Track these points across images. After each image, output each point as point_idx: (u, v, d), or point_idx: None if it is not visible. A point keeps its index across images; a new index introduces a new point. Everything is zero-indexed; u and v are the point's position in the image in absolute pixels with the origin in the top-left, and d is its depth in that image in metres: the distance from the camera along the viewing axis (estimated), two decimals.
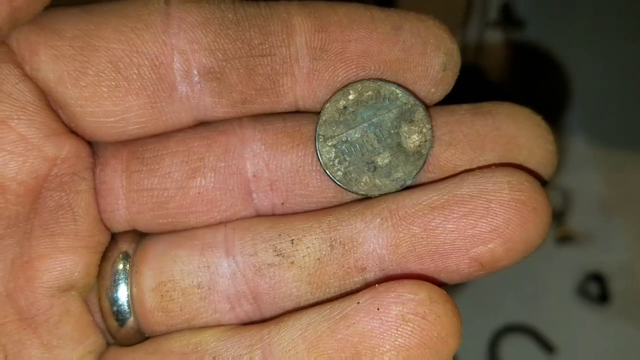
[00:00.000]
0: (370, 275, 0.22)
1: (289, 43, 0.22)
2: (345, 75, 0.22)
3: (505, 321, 0.65)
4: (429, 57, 0.22)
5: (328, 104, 0.23)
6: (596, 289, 0.66)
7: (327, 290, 0.23)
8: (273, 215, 0.24)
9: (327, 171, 0.24)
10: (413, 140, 0.23)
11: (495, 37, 0.82)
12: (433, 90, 0.23)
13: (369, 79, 0.23)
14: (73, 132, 0.23)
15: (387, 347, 0.20)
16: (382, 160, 0.24)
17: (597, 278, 0.66)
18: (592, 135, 0.75)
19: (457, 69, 0.23)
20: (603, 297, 0.65)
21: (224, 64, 0.22)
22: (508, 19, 0.83)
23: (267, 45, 0.22)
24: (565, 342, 0.64)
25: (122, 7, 0.22)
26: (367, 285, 0.22)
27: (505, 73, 0.80)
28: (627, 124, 0.76)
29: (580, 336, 0.64)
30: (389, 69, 0.22)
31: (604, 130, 0.76)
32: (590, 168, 0.73)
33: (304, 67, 0.22)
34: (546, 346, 0.63)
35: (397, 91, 0.23)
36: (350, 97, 0.23)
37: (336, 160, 0.24)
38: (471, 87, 0.77)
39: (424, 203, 0.22)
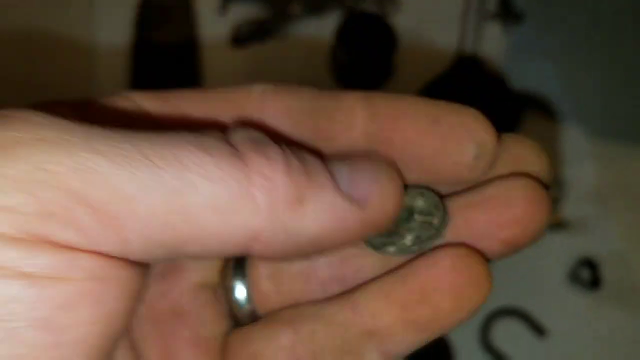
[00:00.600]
0: None
1: (351, 128, 0.26)
2: (390, 157, 0.26)
3: (498, 305, 0.67)
4: (462, 146, 0.26)
5: None
6: (588, 275, 0.68)
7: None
8: None
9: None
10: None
11: (494, 29, 0.84)
12: (466, 174, 0.26)
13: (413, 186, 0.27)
14: None
15: (445, 286, 0.25)
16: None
17: (589, 264, 0.68)
18: (588, 126, 0.77)
19: (489, 157, 0.26)
20: (594, 283, 0.67)
21: None
22: (507, 11, 0.85)
23: (331, 132, 0.27)
24: (556, 326, 0.65)
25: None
26: None
27: (503, 64, 0.81)
28: (622, 115, 0.78)
29: (571, 321, 0.66)
30: (427, 156, 0.26)
31: (600, 121, 0.77)
32: (585, 158, 0.75)
33: (359, 148, 0.26)
34: (537, 329, 0.65)
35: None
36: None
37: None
38: (470, 78, 0.79)
39: (462, 202, 0.27)
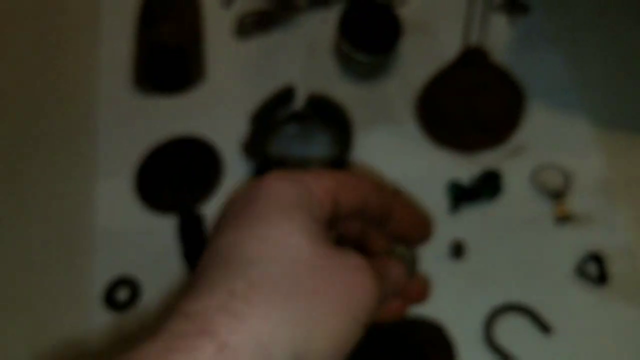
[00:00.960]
0: None
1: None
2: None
3: (502, 300, 0.65)
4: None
5: None
6: (595, 270, 0.67)
7: None
8: None
9: None
10: None
11: (499, 20, 0.82)
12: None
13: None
14: None
15: None
16: None
17: (596, 258, 0.66)
18: (595, 118, 0.75)
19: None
20: (601, 278, 0.65)
21: None
22: (513, 2, 0.83)
23: None
24: (562, 322, 0.64)
25: None
26: None
27: (509, 55, 0.80)
28: (632, 106, 0.76)
29: (578, 317, 0.64)
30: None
31: (608, 112, 0.76)
32: (592, 149, 0.73)
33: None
34: (543, 326, 0.64)
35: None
36: None
37: None
38: (476, 69, 0.78)
39: None
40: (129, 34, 0.85)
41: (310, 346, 0.27)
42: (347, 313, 0.29)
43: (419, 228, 0.39)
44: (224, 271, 0.28)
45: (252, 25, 0.84)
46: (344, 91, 0.79)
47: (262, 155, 0.73)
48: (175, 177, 0.74)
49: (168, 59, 0.82)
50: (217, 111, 0.79)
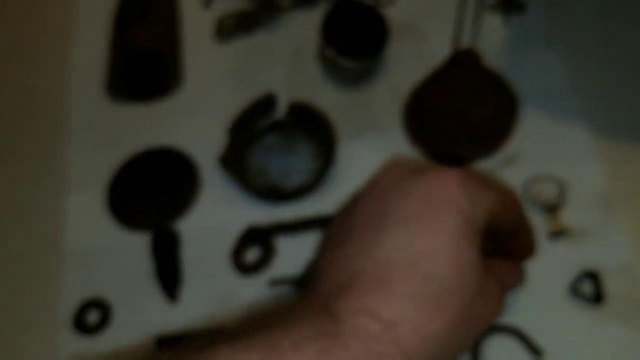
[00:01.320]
0: None
1: None
2: None
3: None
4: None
5: None
6: (590, 289, 0.63)
7: None
8: None
9: None
10: None
11: (492, 21, 0.78)
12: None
13: None
14: None
15: None
16: None
17: (592, 276, 0.63)
18: (594, 126, 0.71)
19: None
20: (597, 298, 0.62)
21: None
22: (509, 1, 0.79)
23: None
24: (554, 344, 0.60)
25: None
26: None
27: (503, 58, 0.76)
28: (631, 115, 0.72)
29: (571, 339, 0.60)
30: None
31: (608, 119, 0.72)
32: (590, 160, 0.69)
33: None
34: (534, 349, 0.60)
35: None
36: None
37: None
38: (468, 72, 0.74)
39: None
40: (103, 39, 0.81)
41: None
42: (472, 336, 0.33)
43: (531, 246, 0.42)
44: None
45: (233, 27, 0.80)
46: (328, 98, 0.75)
47: (239, 167, 0.70)
48: (149, 191, 0.71)
49: (143, 65, 0.78)
50: (195, 120, 0.75)
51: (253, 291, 0.65)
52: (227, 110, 0.73)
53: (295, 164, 0.70)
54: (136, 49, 0.79)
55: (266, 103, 0.73)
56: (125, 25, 0.81)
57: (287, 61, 0.78)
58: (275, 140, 0.72)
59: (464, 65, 0.74)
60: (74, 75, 0.78)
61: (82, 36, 0.81)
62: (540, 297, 0.63)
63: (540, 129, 0.71)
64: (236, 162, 0.70)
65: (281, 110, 0.73)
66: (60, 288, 0.66)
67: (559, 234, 0.65)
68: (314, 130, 0.71)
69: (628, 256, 0.64)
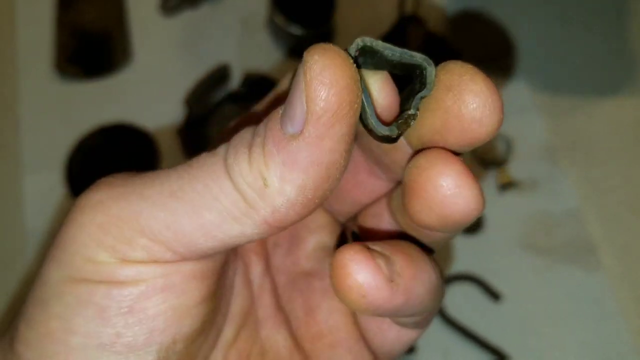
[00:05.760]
0: None
1: None
2: None
3: (451, 270, 0.65)
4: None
5: None
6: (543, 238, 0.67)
7: None
8: None
9: None
10: None
11: None
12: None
13: None
14: None
15: None
16: None
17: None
18: (535, 81, 0.75)
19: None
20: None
21: None
22: None
23: None
24: (511, 288, 0.64)
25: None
26: None
27: (445, 22, 0.79)
28: (571, 68, 0.76)
29: (526, 282, 0.65)
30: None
31: (548, 75, 0.76)
32: (533, 114, 0.73)
33: None
34: (492, 294, 0.64)
35: None
36: None
37: None
38: (412, 38, 0.77)
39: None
40: (48, 17, 0.79)
41: None
42: None
43: None
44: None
45: (178, 0, 0.80)
46: (281, 67, 0.76)
47: (198, 140, 0.70)
48: (108, 168, 0.70)
49: (90, 40, 0.77)
50: (148, 95, 0.74)
51: None
52: (180, 84, 0.73)
53: None
54: (81, 25, 0.78)
55: (220, 74, 0.73)
56: (68, 1, 0.79)
57: (237, 31, 0.78)
58: (232, 110, 0.72)
59: (408, 30, 0.77)
60: (21, 56, 0.76)
61: (26, 16, 0.79)
62: (494, 246, 0.67)
63: None
64: (194, 134, 0.70)
65: (236, 81, 0.74)
66: (25, 269, 0.66)
67: (507, 186, 0.69)
68: None
69: (574, 202, 0.68)
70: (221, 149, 0.24)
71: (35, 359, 0.25)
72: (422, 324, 0.30)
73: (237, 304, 0.31)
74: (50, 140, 0.71)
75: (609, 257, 0.66)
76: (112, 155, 0.71)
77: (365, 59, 0.24)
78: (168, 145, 0.71)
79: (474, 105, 0.22)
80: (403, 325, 0.30)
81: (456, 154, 0.24)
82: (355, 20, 0.78)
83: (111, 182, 0.26)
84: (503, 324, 0.63)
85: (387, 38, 0.75)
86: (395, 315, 0.27)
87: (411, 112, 0.23)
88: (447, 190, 0.23)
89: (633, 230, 0.67)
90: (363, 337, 0.31)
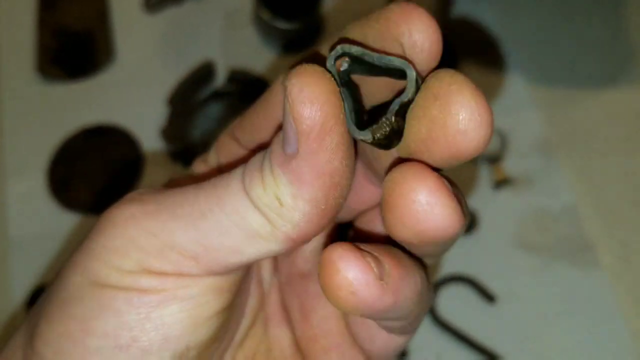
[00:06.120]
0: None
1: None
2: None
3: (444, 271, 0.63)
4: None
5: None
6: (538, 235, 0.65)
7: None
8: None
9: None
10: None
11: None
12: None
13: None
14: None
15: None
16: None
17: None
18: (530, 73, 0.73)
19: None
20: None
21: None
22: None
23: None
24: (506, 289, 0.62)
25: None
26: None
27: (436, 13, 0.77)
28: (567, 59, 0.74)
29: (522, 283, 0.62)
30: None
31: (543, 67, 0.73)
32: (528, 108, 0.71)
33: None
34: (487, 295, 0.62)
35: None
36: None
37: None
38: None
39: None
40: (29, 18, 0.77)
41: None
42: None
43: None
44: None
45: None
46: (268, 63, 0.74)
47: (183, 140, 0.68)
48: (91, 171, 0.69)
49: (72, 41, 0.75)
50: (131, 95, 0.73)
51: None
52: (164, 83, 0.72)
53: None
54: (64, 25, 0.76)
55: (205, 72, 0.71)
56: (50, 1, 0.77)
57: (221, 27, 0.76)
58: (218, 109, 0.70)
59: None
60: (2, 58, 0.74)
61: (7, 18, 0.78)
62: (489, 245, 0.65)
63: (476, 79, 0.72)
64: (179, 135, 0.69)
65: (220, 79, 0.72)
66: (10, 276, 0.65)
67: (502, 183, 0.67)
68: (255, 96, 0.70)
69: (571, 198, 0.66)
70: (239, 171, 0.26)
71: (52, 357, 0.26)
72: (408, 330, 0.30)
73: (249, 305, 0.33)
74: (32, 144, 0.70)
75: (607, 254, 0.64)
76: (95, 158, 0.69)
77: (354, 66, 0.24)
78: (152, 146, 0.69)
79: (460, 116, 0.22)
80: (390, 330, 0.30)
81: (437, 169, 0.23)
82: (345, 13, 0.76)
83: (142, 198, 0.27)
84: (498, 326, 0.61)
85: None
86: (383, 317, 0.26)
87: (387, 116, 0.23)
88: (419, 207, 0.22)
89: (632, 226, 0.65)
90: (355, 343, 0.32)
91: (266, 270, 0.34)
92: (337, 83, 0.23)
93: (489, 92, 0.71)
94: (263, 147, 0.27)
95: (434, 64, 0.24)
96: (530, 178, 0.67)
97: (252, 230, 0.25)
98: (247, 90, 0.70)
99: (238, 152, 0.32)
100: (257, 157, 0.26)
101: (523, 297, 0.62)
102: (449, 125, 0.22)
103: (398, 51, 0.24)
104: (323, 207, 0.24)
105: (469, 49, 0.73)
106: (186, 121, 0.69)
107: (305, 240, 0.26)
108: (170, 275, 0.26)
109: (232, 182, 0.26)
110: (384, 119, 0.23)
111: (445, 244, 0.25)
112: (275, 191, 0.25)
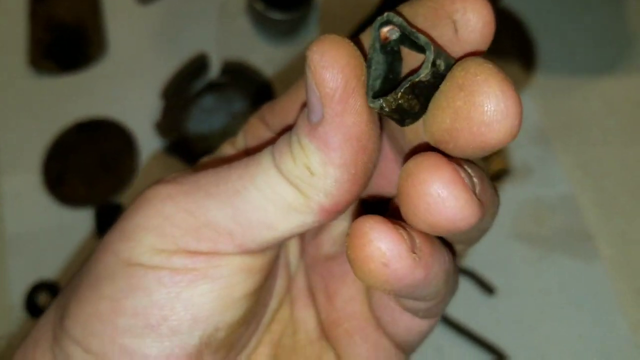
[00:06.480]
0: None
1: None
2: None
3: None
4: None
5: None
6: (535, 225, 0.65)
7: None
8: None
9: None
10: None
11: None
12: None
13: None
14: None
15: None
16: None
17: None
18: (526, 61, 0.72)
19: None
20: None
21: None
22: None
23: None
24: (504, 281, 0.61)
25: None
26: None
27: None
28: (564, 47, 0.73)
29: (521, 274, 0.62)
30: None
31: (540, 54, 0.73)
32: (524, 96, 0.70)
33: None
34: (487, 287, 0.62)
35: None
36: None
37: None
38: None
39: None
40: (21, 11, 0.76)
41: None
42: None
43: None
44: None
45: None
46: (262, 54, 0.73)
47: (178, 133, 0.68)
48: (86, 165, 0.68)
49: (65, 34, 0.74)
50: (125, 87, 0.72)
51: None
52: (157, 75, 0.71)
53: (236, 124, 0.69)
54: (56, 17, 0.75)
55: (198, 64, 0.70)
56: None
57: (215, 18, 0.75)
58: (212, 101, 0.70)
59: (397, 5, 0.74)
60: None
61: None
62: (487, 236, 0.64)
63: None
64: (174, 128, 0.68)
65: (214, 70, 0.71)
66: (8, 271, 0.64)
67: (501, 173, 0.66)
68: (250, 88, 0.70)
69: (568, 189, 0.66)
70: (269, 149, 0.26)
71: (82, 337, 0.27)
72: (433, 313, 0.30)
73: (276, 288, 0.33)
74: (26, 139, 0.69)
75: (606, 245, 0.63)
76: (90, 152, 0.69)
77: (404, 39, 0.24)
78: (146, 139, 0.69)
79: (485, 108, 0.21)
80: (414, 313, 0.29)
81: (459, 159, 0.23)
82: (339, 3, 0.75)
83: (177, 179, 0.28)
84: (498, 318, 0.61)
85: (371, 20, 0.72)
86: (411, 294, 0.25)
87: (395, 90, 0.23)
88: (431, 199, 0.22)
89: (631, 216, 0.65)
90: (379, 326, 0.31)
91: (293, 254, 0.34)
92: (374, 48, 0.23)
93: None
94: (290, 128, 0.27)
95: (484, 46, 0.24)
96: (527, 168, 0.66)
97: (286, 204, 0.25)
98: (242, 81, 0.69)
99: (266, 135, 0.32)
100: (286, 135, 0.26)
101: (522, 288, 0.62)
102: (473, 117, 0.21)
103: (449, 30, 0.23)
104: (353, 171, 0.25)
105: None
106: (180, 114, 0.68)
107: (339, 210, 0.26)
108: (202, 255, 0.26)
109: (263, 160, 0.26)
110: (391, 94, 0.23)
111: (468, 234, 0.26)
112: (304, 161, 0.25)
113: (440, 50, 0.23)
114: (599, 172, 0.66)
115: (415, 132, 0.25)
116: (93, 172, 0.68)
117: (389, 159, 0.30)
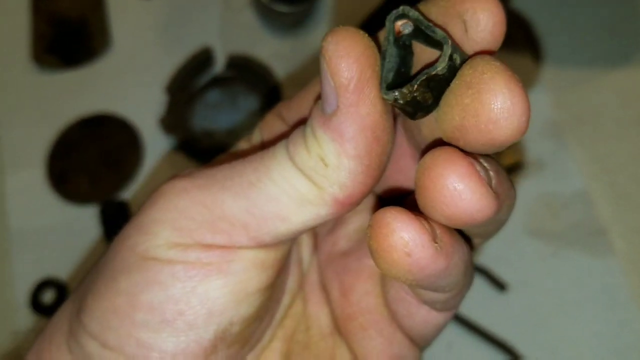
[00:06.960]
0: None
1: None
2: None
3: None
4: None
5: None
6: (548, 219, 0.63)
7: None
8: None
9: None
10: None
11: None
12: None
13: None
14: None
15: None
16: None
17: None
18: (539, 53, 0.71)
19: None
20: None
21: None
22: None
23: None
24: (516, 277, 0.60)
25: None
26: None
27: None
28: (576, 40, 0.72)
29: (533, 270, 0.61)
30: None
31: (552, 46, 0.71)
32: (537, 89, 0.69)
33: None
34: (498, 284, 0.61)
35: None
36: None
37: None
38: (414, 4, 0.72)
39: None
40: (23, 6, 0.75)
41: None
42: None
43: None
44: None
45: None
46: (267, 47, 0.72)
47: (183, 130, 0.67)
48: (90, 161, 0.67)
49: (68, 28, 0.73)
50: (129, 83, 0.71)
51: None
52: (162, 69, 0.70)
53: (241, 119, 0.68)
54: (59, 12, 0.74)
55: (203, 58, 0.69)
56: None
57: (219, 11, 0.74)
58: (217, 96, 0.69)
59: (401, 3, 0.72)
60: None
61: (0, 6, 0.76)
62: (499, 232, 0.63)
63: None
64: (179, 124, 0.67)
65: (219, 64, 0.70)
66: (13, 269, 0.63)
67: (513, 168, 0.65)
68: (255, 82, 0.69)
69: (582, 183, 0.64)
70: (283, 142, 0.27)
71: (99, 331, 0.27)
72: (450, 306, 0.30)
73: (288, 285, 0.33)
74: (30, 135, 0.68)
75: (620, 240, 0.62)
76: (94, 148, 0.68)
77: (417, 33, 0.24)
78: (151, 135, 0.68)
79: (492, 105, 0.21)
80: (432, 305, 0.30)
81: (471, 153, 0.23)
82: None
83: (192, 174, 0.28)
84: (509, 315, 0.60)
85: (386, 6, 0.71)
86: (433, 284, 0.25)
87: (411, 83, 0.23)
88: (447, 192, 0.22)
89: None
90: (394, 320, 0.32)
91: (306, 251, 0.34)
92: (388, 40, 0.24)
93: None
94: (305, 120, 0.27)
95: (495, 46, 0.24)
96: (540, 162, 0.65)
97: (300, 196, 0.26)
98: (247, 75, 0.68)
99: (281, 129, 0.32)
100: (300, 127, 0.26)
101: (534, 285, 0.61)
102: (480, 115, 0.22)
103: (459, 29, 0.23)
104: (367, 163, 0.25)
105: None
106: (185, 109, 0.67)
107: (352, 202, 0.26)
108: (217, 248, 0.26)
109: (278, 152, 0.26)
110: (407, 86, 0.23)
111: (485, 227, 0.26)
112: (319, 152, 0.25)
113: (456, 46, 0.23)
114: (613, 166, 0.65)
115: (431, 128, 0.26)
116: (97, 168, 0.67)
117: (407, 155, 0.30)
